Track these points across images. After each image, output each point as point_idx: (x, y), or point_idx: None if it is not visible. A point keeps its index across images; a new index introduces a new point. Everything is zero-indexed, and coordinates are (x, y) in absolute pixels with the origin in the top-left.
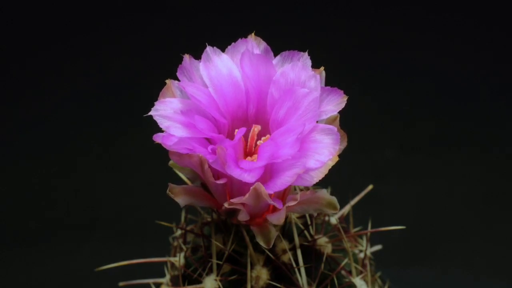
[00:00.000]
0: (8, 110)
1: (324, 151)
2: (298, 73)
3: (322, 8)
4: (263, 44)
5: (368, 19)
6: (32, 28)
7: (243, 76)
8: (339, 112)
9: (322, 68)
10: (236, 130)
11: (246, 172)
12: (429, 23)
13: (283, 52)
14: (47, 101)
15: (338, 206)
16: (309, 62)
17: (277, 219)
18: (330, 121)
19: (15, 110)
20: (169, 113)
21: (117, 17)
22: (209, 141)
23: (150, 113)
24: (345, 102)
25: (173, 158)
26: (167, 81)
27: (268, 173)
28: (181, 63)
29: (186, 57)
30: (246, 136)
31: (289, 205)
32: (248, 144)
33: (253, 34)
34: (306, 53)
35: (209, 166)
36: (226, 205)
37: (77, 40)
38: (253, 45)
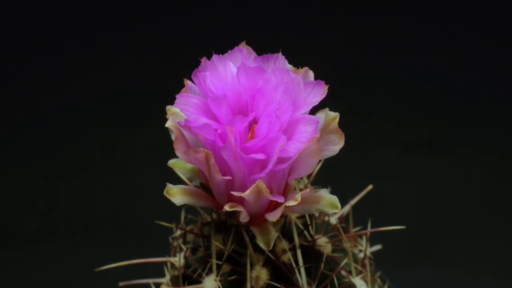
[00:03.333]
0: (9, 110)
1: (305, 139)
2: (281, 77)
3: (322, 9)
4: (254, 54)
5: (369, 20)
6: (34, 28)
7: (240, 87)
8: (338, 111)
9: (303, 69)
10: None
11: (254, 152)
12: (429, 23)
13: (257, 58)
14: (47, 101)
15: (339, 206)
16: (286, 62)
17: (273, 215)
18: (329, 120)
19: (15, 110)
20: (193, 107)
21: (120, 18)
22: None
23: (177, 106)
24: (326, 91)
25: (180, 153)
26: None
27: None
28: (196, 66)
29: (203, 61)
30: (246, 135)
31: (289, 205)
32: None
33: (244, 43)
34: (280, 54)
35: (215, 162)
36: (227, 208)
37: (78, 41)
38: (246, 54)
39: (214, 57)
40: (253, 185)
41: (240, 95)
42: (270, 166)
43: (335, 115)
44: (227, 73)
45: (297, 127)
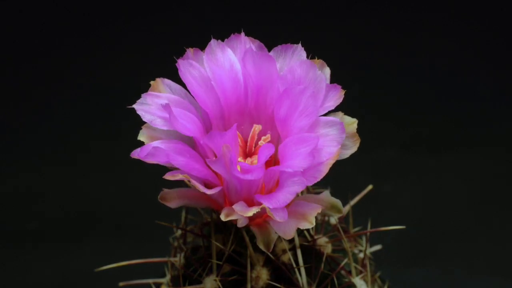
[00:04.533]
0: (8, 109)
1: (333, 143)
2: (306, 71)
3: (323, 9)
4: (257, 42)
5: (370, 19)
6: (34, 28)
7: (244, 72)
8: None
9: (319, 61)
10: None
11: (245, 173)
12: (429, 23)
13: (276, 47)
14: (47, 101)
15: (343, 209)
16: (304, 54)
17: (283, 233)
18: (345, 125)
19: (15, 110)
20: (153, 108)
21: (120, 18)
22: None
23: (134, 106)
24: (343, 96)
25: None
26: (155, 80)
27: (278, 179)
28: (180, 58)
29: (190, 51)
30: (246, 136)
31: (304, 227)
32: (248, 144)
33: (243, 33)
34: (300, 45)
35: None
36: (222, 217)
37: (79, 41)
38: (247, 41)
39: (212, 41)
40: (255, 208)
41: (238, 83)
42: (279, 204)
43: (353, 121)
44: (225, 59)
45: (314, 130)
